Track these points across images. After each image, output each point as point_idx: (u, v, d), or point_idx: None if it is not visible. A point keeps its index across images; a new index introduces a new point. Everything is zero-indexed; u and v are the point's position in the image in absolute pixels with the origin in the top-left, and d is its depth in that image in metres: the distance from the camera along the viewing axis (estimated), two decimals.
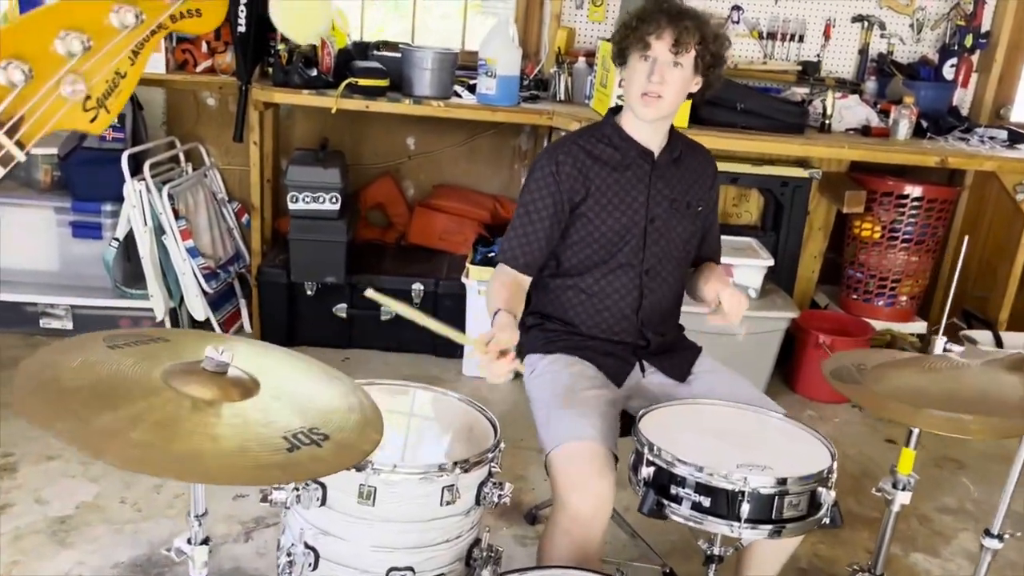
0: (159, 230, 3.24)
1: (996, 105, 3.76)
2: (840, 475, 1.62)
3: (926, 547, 2.55)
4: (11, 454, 2.58)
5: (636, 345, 1.92)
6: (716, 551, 1.58)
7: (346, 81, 3.12)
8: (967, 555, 2.52)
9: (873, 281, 3.56)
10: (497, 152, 3.84)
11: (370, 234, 3.79)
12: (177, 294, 3.32)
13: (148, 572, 2.16)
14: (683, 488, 1.47)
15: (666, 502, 1.50)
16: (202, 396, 1.24)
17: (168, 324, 3.33)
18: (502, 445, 1.61)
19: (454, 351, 3.44)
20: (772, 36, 3.74)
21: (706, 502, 1.46)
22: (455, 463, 1.49)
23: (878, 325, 3.51)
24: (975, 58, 3.72)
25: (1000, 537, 1.63)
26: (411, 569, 1.51)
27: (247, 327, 3.59)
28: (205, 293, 3.34)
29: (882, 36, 3.75)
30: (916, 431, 1.51)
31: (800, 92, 3.55)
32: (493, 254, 3.24)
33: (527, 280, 1.86)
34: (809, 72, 3.71)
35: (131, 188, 3.16)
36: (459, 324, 3.30)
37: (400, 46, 3.31)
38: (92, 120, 1.08)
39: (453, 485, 1.49)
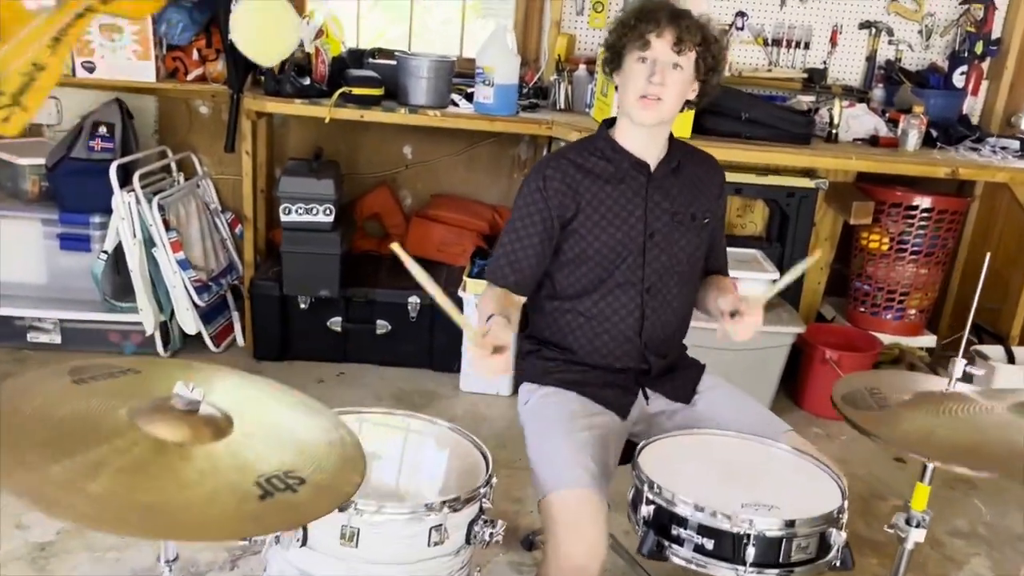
0: (149, 242, 3.16)
1: (1007, 113, 3.66)
2: (849, 497, 1.54)
3: (937, 574, 2.47)
4: None
5: (637, 371, 1.84)
6: None
7: (340, 90, 3.04)
8: None
9: (881, 294, 3.47)
10: (496, 161, 3.76)
11: (366, 245, 3.71)
12: (168, 307, 3.25)
13: None
14: (684, 529, 1.39)
15: (667, 543, 1.42)
16: (170, 438, 1.17)
17: (158, 338, 3.25)
18: (494, 480, 1.53)
19: (451, 365, 3.36)
20: (777, 43, 3.66)
21: (709, 544, 1.38)
22: (443, 502, 1.41)
23: (886, 339, 3.42)
24: (985, 65, 3.63)
25: None
26: None
27: (240, 341, 3.51)
28: (196, 306, 3.27)
29: (890, 43, 3.66)
30: (931, 466, 1.42)
31: (806, 100, 3.47)
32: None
33: (519, 299, 1.78)
34: (815, 80, 3.62)
35: (119, 200, 3.08)
36: (457, 339, 3.23)
37: (396, 54, 3.23)
38: (4, 120, 0.99)
39: (441, 525, 1.41)
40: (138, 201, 3.11)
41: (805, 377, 3.34)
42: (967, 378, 1.51)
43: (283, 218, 3.12)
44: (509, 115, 3.17)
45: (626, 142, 1.78)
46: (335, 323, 3.34)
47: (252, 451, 1.20)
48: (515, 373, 1.92)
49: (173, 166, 3.52)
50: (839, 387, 1.50)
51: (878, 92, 3.60)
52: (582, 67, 3.38)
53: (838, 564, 1.43)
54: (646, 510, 1.44)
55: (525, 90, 3.44)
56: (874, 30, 3.65)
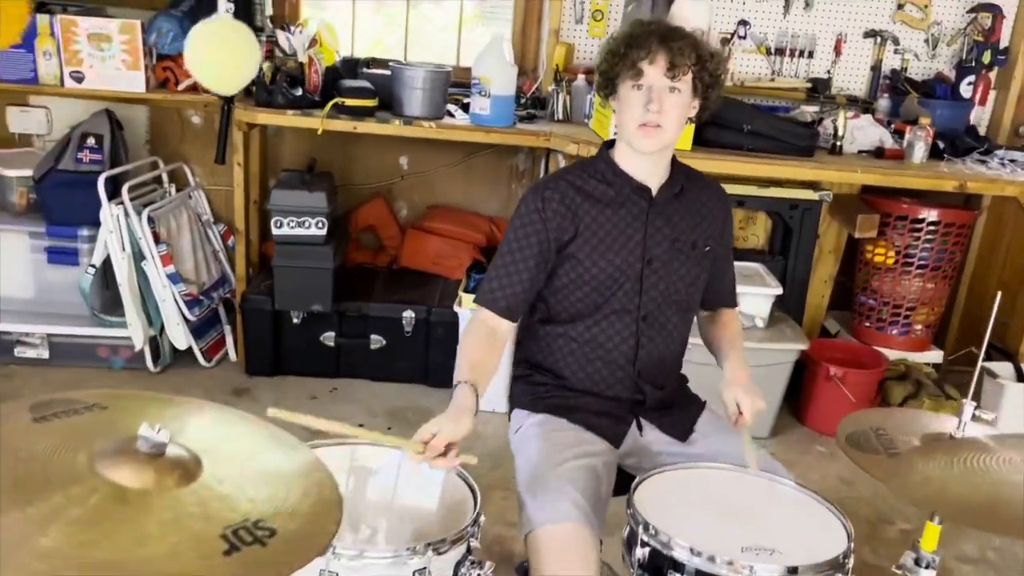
0: (138, 255, 3.10)
1: (1015, 124, 3.59)
2: (854, 521, 1.47)
3: None
4: None
5: (632, 400, 1.76)
6: None
7: (332, 101, 2.97)
8: None
9: (887, 308, 3.39)
10: (494, 172, 3.69)
11: (361, 257, 3.64)
12: (157, 322, 3.19)
13: None
14: (681, 575, 1.32)
15: None
16: (132, 484, 1.09)
17: (148, 353, 3.19)
18: (482, 519, 1.46)
19: (447, 381, 3.28)
20: (780, 52, 3.59)
21: None
22: (427, 544, 1.34)
23: (892, 354, 3.34)
24: (993, 75, 3.56)
25: None
26: None
27: (232, 355, 3.44)
28: (187, 321, 3.21)
29: (896, 52, 3.59)
30: None
31: (809, 111, 3.39)
32: None
33: (507, 328, 1.70)
34: (819, 89, 3.55)
35: (108, 212, 3.02)
36: (451, 352, 3.14)
37: (390, 64, 3.17)
38: None
39: (425, 568, 1.34)
40: (127, 213, 3.05)
41: (809, 394, 3.26)
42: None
43: (275, 231, 3.06)
44: (506, 126, 3.10)
45: (627, 165, 1.71)
46: (328, 338, 3.27)
47: (221, 497, 1.13)
48: (508, 398, 1.87)
49: (164, 177, 3.46)
50: (843, 426, 1.43)
51: (883, 102, 3.52)
52: (581, 77, 3.32)
53: None
54: (641, 552, 1.37)
55: (523, 100, 3.38)
56: (879, 39, 3.58)
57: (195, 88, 3.20)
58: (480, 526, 1.45)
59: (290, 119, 3.02)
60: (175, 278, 3.15)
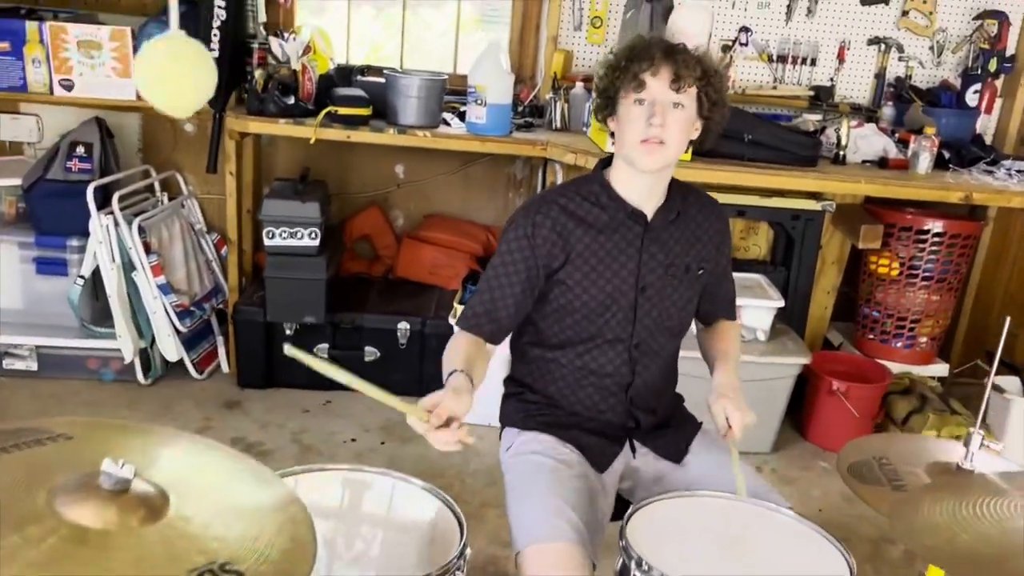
0: (129, 266, 3.05)
1: (1022, 133, 3.53)
2: (856, 540, 1.41)
3: None
4: None
5: (625, 426, 1.71)
6: None
7: (325, 110, 2.92)
8: None
9: (891, 321, 3.33)
10: (491, 181, 3.64)
11: (356, 267, 3.59)
12: (148, 333, 3.13)
13: None
14: None
15: None
16: (94, 524, 1.04)
17: (138, 365, 3.14)
18: (468, 552, 1.40)
19: None
20: (782, 59, 3.53)
21: None
22: None
23: (896, 368, 3.28)
24: (999, 83, 3.50)
25: None
26: None
27: (224, 367, 3.38)
28: (178, 332, 3.15)
29: (900, 59, 3.53)
30: None
31: (812, 119, 3.33)
32: None
33: (491, 348, 1.64)
34: (822, 97, 3.49)
35: (97, 223, 2.97)
36: None
37: (384, 71, 3.11)
38: None
39: None
40: (117, 223, 3.00)
41: (811, 408, 3.20)
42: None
43: (266, 242, 3.00)
44: (502, 135, 3.04)
45: (623, 189, 1.64)
46: (322, 350, 3.22)
47: (188, 537, 1.07)
48: (500, 417, 1.82)
49: (157, 186, 3.41)
50: (845, 454, 1.36)
51: (887, 111, 3.46)
52: (579, 85, 3.26)
53: None
54: None
55: (520, 108, 3.33)
56: (883, 46, 3.52)
57: None
58: (467, 558, 1.39)
59: (282, 128, 2.97)
60: (166, 289, 3.10)
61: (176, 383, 3.24)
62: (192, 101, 2.13)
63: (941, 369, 3.40)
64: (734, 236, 3.40)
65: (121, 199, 3.07)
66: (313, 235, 3.01)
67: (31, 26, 2.96)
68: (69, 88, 3.02)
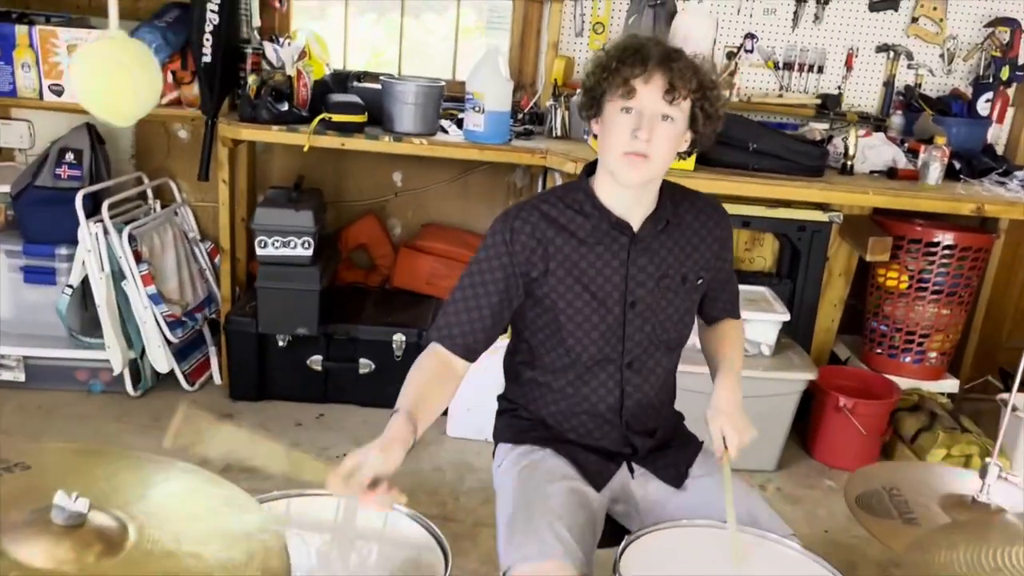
0: (119, 275, 2.98)
1: None
2: (863, 564, 1.33)
3: None
4: None
5: (622, 452, 1.63)
6: None
7: (319, 117, 2.85)
8: None
9: (899, 335, 3.24)
10: (490, 189, 3.56)
11: (352, 276, 3.52)
12: (138, 344, 3.06)
13: None
14: None
15: None
16: (45, 564, 0.97)
17: (128, 377, 3.07)
18: None
19: None
20: (789, 67, 3.45)
21: None
22: None
23: (904, 383, 3.19)
24: (1012, 92, 3.41)
25: None
26: None
27: (217, 379, 3.31)
28: (169, 343, 3.08)
29: (909, 67, 3.45)
30: None
31: (819, 128, 3.25)
32: None
33: (463, 367, 1.53)
34: (829, 106, 3.41)
35: (86, 231, 2.90)
36: None
37: (381, 77, 3.05)
38: None
39: None
40: (106, 231, 2.94)
41: (817, 424, 3.12)
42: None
43: (259, 251, 2.94)
44: (501, 143, 2.97)
45: (607, 196, 1.54)
46: (315, 362, 3.14)
47: (149, 571, 1.00)
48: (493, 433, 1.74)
49: (149, 193, 3.35)
50: (853, 484, 1.28)
51: (896, 120, 3.38)
52: (580, 92, 3.18)
53: None
54: None
55: (520, 116, 3.26)
56: (892, 54, 3.44)
57: (178, 102, 3.10)
58: None
59: (275, 135, 2.90)
60: (157, 298, 3.03)
61: (167, 395, 3.17)
62: (132, 108, 1.91)
63: (951, 385, 3.31)
64: (738, 248, 3.32)
65: (112, 207, 3.00)
66: (306, 244, 2.94)
67: (20, 30, 2.90)
68: (59, 93, 2.96)
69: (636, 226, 1.55)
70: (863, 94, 3.50)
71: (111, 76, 1.92)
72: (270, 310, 2.99)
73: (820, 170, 2.96)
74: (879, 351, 3.31)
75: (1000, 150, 3.45)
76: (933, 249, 3.12)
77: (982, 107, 3.34)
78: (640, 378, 1.59)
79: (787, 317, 2.94)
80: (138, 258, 3.00)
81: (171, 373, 3.14)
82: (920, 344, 3.24)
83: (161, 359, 3.07)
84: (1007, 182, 3.10)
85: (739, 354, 1.68)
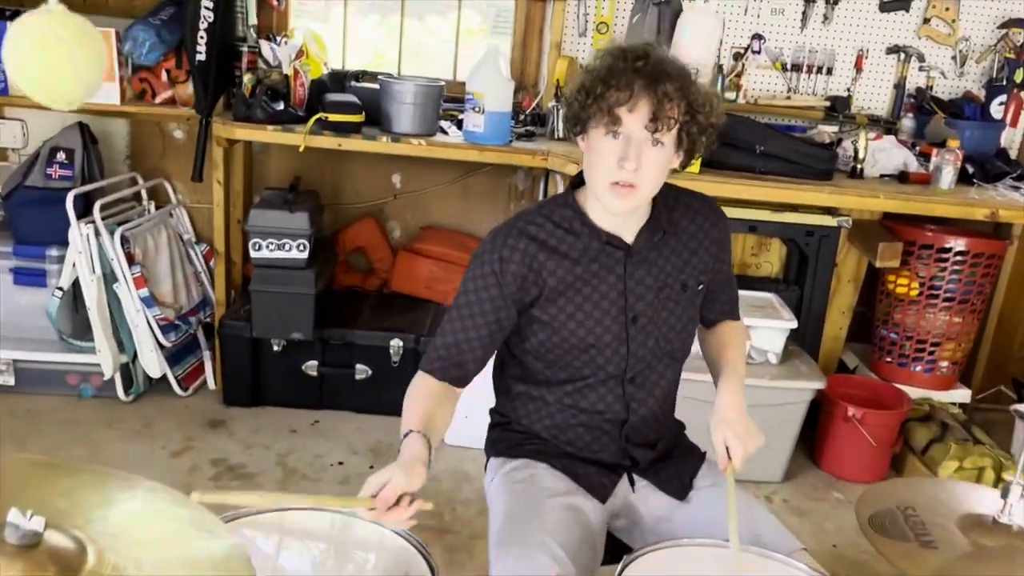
0: (111, 277, 2.92)
1: None
2: None
3: None
4: None
5: (622, 464, 1.55)
6: None
7: (315, 116, 2.79)
8: None
9: (910, 344, 3.16)
10: (492, 192, 3.50)
11: (350, 280, 3.45)
12: (130, 348, 3.00)
13: None
14: None
15: None
16: None
17: (119, 381, 3.00)
18: None
19: None
20: (797, 68, 3.37)
21: None
22: None
23: (915, 393, 3.10)
24: None
25: None
26: None
27: (211, 383, 3.25)
28: (162, 347, 3.02)
29: (921, 69, 3.37)
30: None
31: (828, 131, 3.18)
32: None
33: (459, 391, 1.48)
34: (838, 108, 3.33)
35: (77, 232, 2.84)
36: None
37: (379, 77, 2.98)
38: None
39: None
40: (98, 233, 2.88)
41: (825, 434, 3.03)
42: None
43: (253, 254, 2.87)
44: (501, 144, 2.91)
45: (597, 215, 1.46)
46: (311, 367, 3.07)
47: None
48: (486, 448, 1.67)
49: (144, 194, 3.29)
50: (865, 503, 1.21)
51: (908, 123, 3.30)
52: None
53: None
54: None
55: (522, 117, 3.19)
56: (903, 55, 3.36)
57: (174, 101, 3.04)
58: None
59: (270, 135, 2.84)
60: (149, 302, 2.97)
61: (159, 400, 3.10)
62: (74, 90, 1.75)
63: (963, 395, 3.23)
64: (744, 253, 3.25)
65: (105, 207, 2.94)
66: (302, 247, 2.87)
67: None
68: None
69: (630, 239, 1.47)
70: (873, 96, 3.43)
71: (49, 53, 1.75)
72: (264, 314, 2.92)
73: (829, 173, 2.88)
74: (889, 360, 3.22)
75: (1014, 154, 3.36)
76: (945, 255, 3.04)
77: (995, 110, 3.26)
78: (644, 392, 1.52)
79: (794, 324, 2.86)
80: (131, 260, 2.94)
81: (164, 378, 3.08)
82: (931, 353, 3.15)
83: (153, 364, 3.01)
84: (1021, 187, 3.01)
85: (741, 356, 1.62)
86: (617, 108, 1.33)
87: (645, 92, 1.32)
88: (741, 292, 1.76)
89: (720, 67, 3.22)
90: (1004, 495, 1.21)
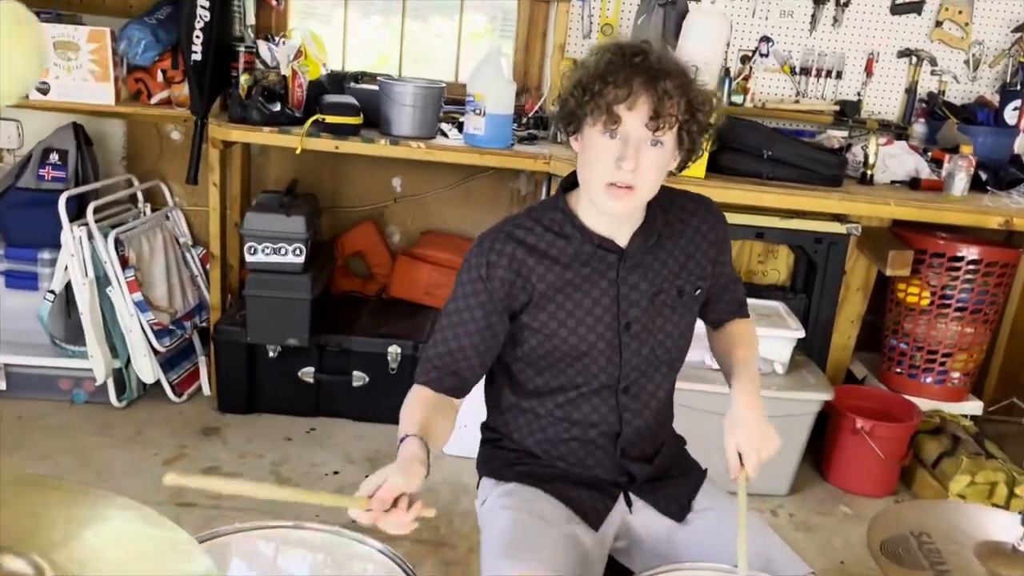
0: (104, 281, 2.87)
1: None
2: None
3: None
4: None
5: (617, 481, 1.48)
6: None
7: (312, 118, 2.73)
8: None
9: (920, 354, 3.08)
10: (493, 196, 3.43)
11: (348, 285, 3.39)
12: (123, 353, 2.94)
13: None
14: None
15: None
16: None
17: (111, 387, 2.95)
18: None
19: None
20: (806, 71, 3.31)
21: None
22: None
23: (925, 405, 3.03)
24: None
25: None
26: None
27: (206, 389, 3.19)
28: (156, 352, 2.96)
29: (933, 73, 3.29)
30: None
31: (837, 135, 3.11)
32: None
33: (458, 402, 1.42)
34: (848, 113, 3.26)
35: (69, 235, 2.79)
36: None
37: (379, 78, 2.92)
38: None
39: None
40: (91, 235, 2.82)
41: (832, 447, 2.96)
42: None
43: (248, 258, 2.81)
44: (502, 148, 2.84)
45: (589, 217, 1.39)
46: (307, 373, 3.02)
47: None
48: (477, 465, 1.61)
49: (140, 196, 3.24)
50: (877, 529, 1.14)
51: (919, 128, 3.23)
52: None
53: None
54: None
55: (524, 120, 3.13)
56: (915, 59, 3.29)
57: (170, 102, 2.99)
58: None
59: (267, 136, 2.78)
60: (143, 306, 2.91)
61: (152, 406, 3.05)
62: (8, 85, 1.64)
63: (975, 407, 3.15)
64: (751, 260, 3.18)
65: (99, 210, 2.90)
66: (298, 251, 2.81)
67: None
68: (45, 92, 2.84)
69: (624, 242, 1.41)
70: (884, 101, 3.36)
71: None
72: (259, 319, 2.86)
73: (838, 179, 2.81)
74: (898, 370, 3.15)
75: None
76: (957, 264, 2.97)
77: (1009, 115, 3.18)
78: (639, 403, 1.45)
79: (802, 334, 2.79)
80: (124, 263, 2.89)
81: (158, 383, 3.02)
82: (942, 364, 3.07)
83: (147, 369, 2.95)
84: None
85: (753, 353, 1.55)
86: (616, 106, 1.27)
87: (645, 89, 1.26)
88: (748, 301, 1.69)
89: (727, 70, 3.16)
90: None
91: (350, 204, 3.43)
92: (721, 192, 2.64)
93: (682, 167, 1.39)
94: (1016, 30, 3.25)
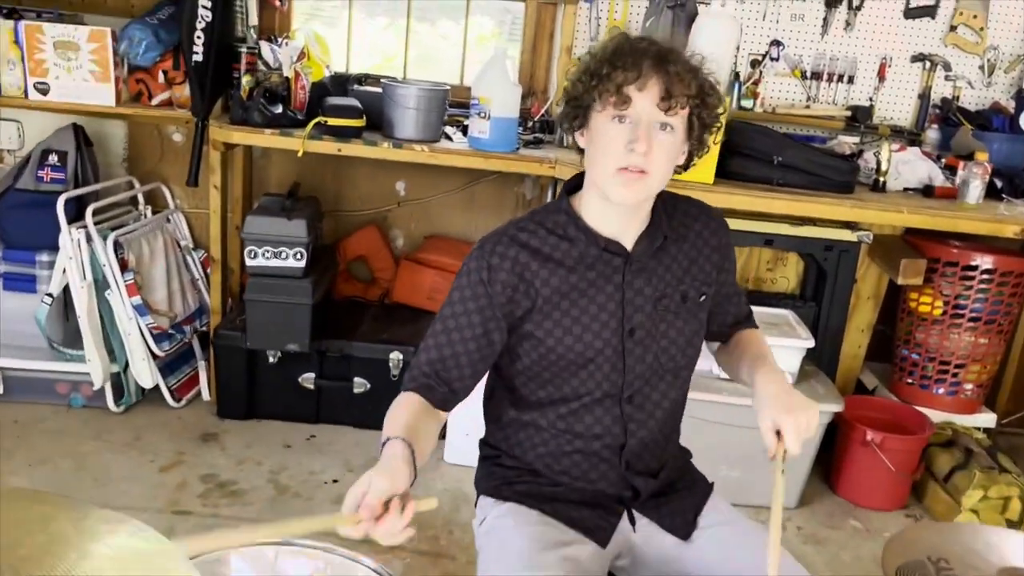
0: (102, 284, 2.83)
1: None
2: None
3: None
4: None
5: (621, 496, 1.43)
6: None
7: (314, 120, 2.69)
8: None
9: (932, 365, 3.02)
10: (498, 200, 3.39)
11: (350, 289, 3.35)
12: (122, 357, 2.91)
13: None
14: None
15: None
16: None
17: (109, 391, 2.91)
18: None
19: None
20: (817, 76, 3.25)
21: None
22: None
23: (937, 416, 2.97)
24: None
25: None
26: None
27: (205, 395, 3.15)
28: (155, 356, 2.92)
29: (947, 79, 3.24)
30: None
31: (848, 141, 3.05)
32: None
33: (442, 415, 1.35)
34: (860, 118, 3.20)
35: (67, 237, 2.75)
36: None
37: (382, 80, 2.88)
38: None
39: None
40: (89, 238, 2.79)
41: (842, 459, 2.90)
42: None
43: (248, 262, 2.77)
44: (507, 151, 2.80)
45: (595, 219, 1.35)
46: (307, 379, 2.97)
47: None
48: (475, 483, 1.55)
49: (140, 198, 3.20)
50: (892, 552, 1.08)
51: (932, 134, 3.17)
52: None
53: None
54: None
55: (530, 123, 3.08)
56: (928, 64, 3.23)
57: (171, 103, 2.95)
58: None
59: (268, 139, 2.74)
60: (142, 309, 2.87)
61: (151, 411, 3.01)
62: None
63: (988, 419, 3.08)
64: (760, 267, 3.12)
65: (99, 212, 2.86)
66: (299, 255, 2.77)
67: (5, 25, 2.76)
68: (45, 92, 2.81)
69: (630, 245, 1.37)
70: (896, 106, 3.30)
71: None
72: (259, 324, 2.82)
73: (850, 186, 2.76)
74: (910, 381, 3.08)
75: None
76: (971, 273, 2.90)
77: None
78: (644, 414, 1.40)
79: (811, 343, 2.73)
80: (124, 266, 2.85)
81: (156, 388, 2.98)
82: (955, 375, 3.01)
83: (145, 373, 2.91)
84: None
85: (769, 352, 1.48)
86: (626, 87, 1.24)
87: (655, 70, 1.24)
88: (755, 308, 1.64)
89: (737, 74, 3.11)
90: None
91: (353, 208, 3.39)
92: (730, 198, 2.59)
93: (688, 163, 1.36)
94: None
